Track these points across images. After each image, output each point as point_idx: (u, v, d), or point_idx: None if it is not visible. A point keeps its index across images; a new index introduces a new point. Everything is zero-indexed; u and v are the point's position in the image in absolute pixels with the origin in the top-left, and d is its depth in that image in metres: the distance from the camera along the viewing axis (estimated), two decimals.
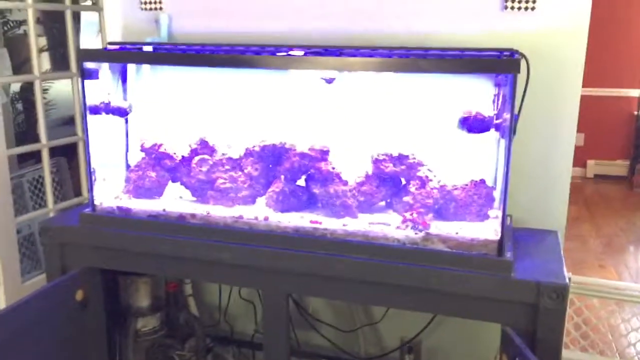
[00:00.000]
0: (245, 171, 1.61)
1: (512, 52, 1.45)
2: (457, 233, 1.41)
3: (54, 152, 2.53)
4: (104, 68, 1.64)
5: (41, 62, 2.62)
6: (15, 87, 3.45)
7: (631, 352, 2.16)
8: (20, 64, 3.23)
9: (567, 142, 1.67)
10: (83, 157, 2.57)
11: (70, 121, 2.77)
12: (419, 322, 1.83)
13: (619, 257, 3.76)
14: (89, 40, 3.57)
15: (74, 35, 2.35)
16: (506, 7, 1.63)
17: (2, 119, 2.07)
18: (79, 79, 1.55)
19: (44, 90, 3.23)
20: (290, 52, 1.54)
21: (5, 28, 3.17)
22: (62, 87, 3.38)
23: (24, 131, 3.51)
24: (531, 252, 1.49)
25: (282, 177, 1.56)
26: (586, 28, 1.60)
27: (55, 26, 3.38)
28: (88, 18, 3.50)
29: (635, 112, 5.52)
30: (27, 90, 3.42)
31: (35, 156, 2.57)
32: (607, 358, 1.91)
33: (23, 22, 3.17)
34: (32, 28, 2.24)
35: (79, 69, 1.55)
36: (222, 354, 2.00)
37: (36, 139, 2.62)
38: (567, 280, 1.33)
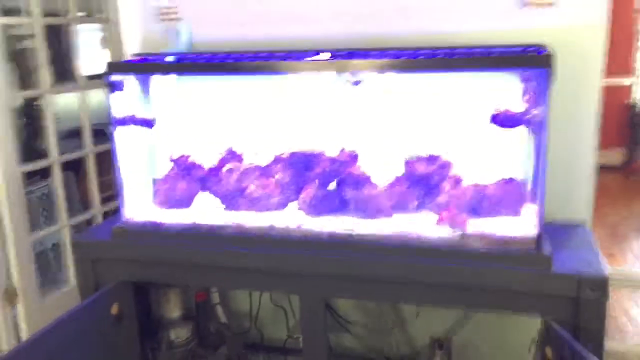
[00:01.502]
0: (275, 178, 1.61)
1: (537, 48, 1.47)
2: (493, 231, 1.42)
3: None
4: (128, 80, 1.64)
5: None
6: (18, 102, 3.41)
7: None
8: (23, 79, 3.20)
9: (590, 134, 1.69)
10: (93, 170, 2.56)
11: (72, 134, 2.75)
12: (448, 320, 1.84)
13: (624, 244, 3.81)
14: (91, 53, 3.54)
15: (77, 48, 2.34)
16: (526, 4, 1.65)
17: (11, 132, 2.05)
18: (107, 91, 1.54)
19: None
20: (316, 57, 1.54)
21: (10, 43, 3.14)
22: (62, 101, 3.36)
23: (28, 146, 3.47)
24: (565, 245, 1.50)
25: (317, 181, 1.57)
26: (605, 22, 1.62)
27: (56, 40, 3.36)
28: (87, 31, 3.48)
29: (629, 101, 5.59)
30: (29, 104, 3.38)
31: (40, 172, 2.54)
32: None
33: (26, 36, 3.14)
34: (40, 42, 2.23)
35: (105, 82, 1.54)
36: None
37: (40, 154, 2.60)
38: (606, 272, 1.35)
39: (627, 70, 5.54)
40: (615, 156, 5.58)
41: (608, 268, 1.37)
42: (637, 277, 1.96)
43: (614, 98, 5.35)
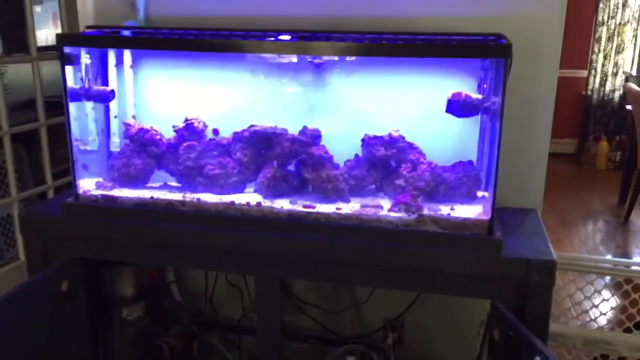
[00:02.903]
0: (235, 157, 1.59)
1: (498, 37, 1.49)
2: (449, 214, 1.45)
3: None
4: (83, 52, 1.59)
5: None
6: None
7: (585, 319, 2.29)
8: None
9: (545, 123, 1.73)
10: (45, 144, 2.48)
11: (24, 106, 2.66)
12: (401, 302, 1.87)
13: (573, 231, 3.96)
14: (44, 23, 3.42)
15: (31, 17, 2.25)
16: None
17: None
18: (60, 64, 1.49)
19: None
20: (279, 37, 1.53)
21: None
22: (18, 70, 3.24)
23: None
24: (516, 230, 1.55)
25: (275, 162, 1.56)
26: (564, 12, 1.66)
27: (6, 8, 3.22)
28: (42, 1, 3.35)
29: (584, 92, 5.76)
30: None
31: None
32: (583, 328, 2.02)
33: None
34: None
35: (58, 53, 1.48)
36: (208, 340, 2.00)
37: None
38: (554, 257, 1.40)
39: (583, 63, 5.70)
40: (568, 145, 5.76)
41: (555, 253, 1.42)
42: (582, 262, 2.03)
43: (569, 89, 5.50)
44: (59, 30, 2.56)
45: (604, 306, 2.14)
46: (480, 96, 1.49)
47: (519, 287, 1.38)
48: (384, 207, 1.49)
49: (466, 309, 1.85)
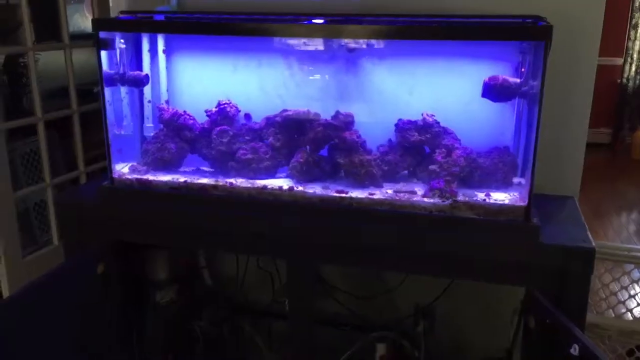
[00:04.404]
0: (267, 141, 1.59)
1: (537, 19, 1.45)
2: (484, 200, 1.43)
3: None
4: (117, 37, 1.60)
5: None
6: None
7: (621, 309, 2.25)
8: (5, 36, 3.12)
9: (584, 108, 1.69)
10: (78, 130, 2.52)
11: (57, 93, 2.70)
12: (433, 289, 1.85)
13: (606, 221, 3.87)
14: (75, 11, 3.45)
15: (63, 4, 2.27)
16: None
17: None
18: (95, 49, 1.50)
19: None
20: (312, 21, 1.51)
21: None
22: (47, 59, 3.29)
23: (10, 105, 3.41)
24: (554, 217, 1.51)
25: (307, 147, 1.55)
26: None
27: None
28: None
29: (619, 80, 5.62)
30: (12, 62, 3.30)
31: (24, 130, 2.50)
32: (617, 319, 1.98)
33: None
34: None
35: (93, 39, 1.50)
36: (239, 324, 2.01)
37: (24, 113, 2.54)
38: (593, 245, 1.37)
39: (619, 50, 5.55)
40: (603, 135, 5.64)
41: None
42: (619, 252, 1.99)
43: (604, 77, 5.37)
44: (90, 18, 2.58)
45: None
46: (517, 80, 1.46)
47: (557, 275, 1.36)
48: (418, 193, 1.48)
49: (499, 296, 1.82)
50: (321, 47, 1.58)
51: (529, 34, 1.37)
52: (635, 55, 5.47)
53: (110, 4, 1.99)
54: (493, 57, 1.54)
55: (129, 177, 1.60)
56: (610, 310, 2.10)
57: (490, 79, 1.45)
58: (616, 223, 3.93)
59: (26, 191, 2.33)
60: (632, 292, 2.06)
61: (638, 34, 5.40)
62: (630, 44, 5.47)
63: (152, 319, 1.79)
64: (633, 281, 2.00)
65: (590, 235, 1.41)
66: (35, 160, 2.60)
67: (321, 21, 1.51)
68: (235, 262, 2.00)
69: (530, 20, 1.46)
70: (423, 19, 1.53)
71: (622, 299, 2.08)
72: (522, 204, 1.40)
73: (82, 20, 3.39)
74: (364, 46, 1.56)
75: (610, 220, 3.94)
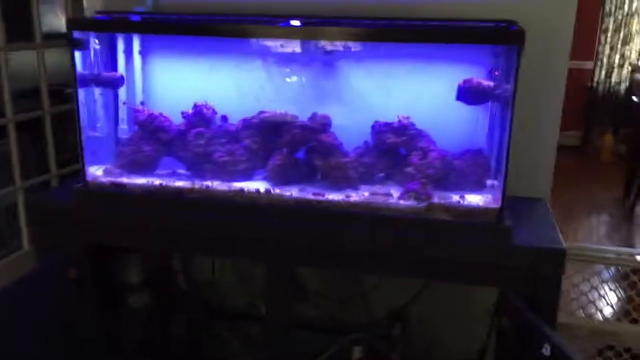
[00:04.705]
0: (244, 144, 1.59)
1: (510, 23, 1.47)
2: (458, 202, 1.45)
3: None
4: (92, 38, 1.58)
5: None
6: None
7: (591, 309, 2.29)
8: None
9: (555, 111, 1.72)
10: (50, 132, 2.48)
11: (29, 94, 2.65)
12: (407, 291, 1.87)
13: (577, 223, 3.95)
14: (47, 10, 3.39)
15: (36, 3, 2.24)
16: None
17: None
18: (69, 49, 1.48)
19: None
20: (288, 23, 1.51)
21: None
22: (19, 59, 3.24)
23: None
24: (525, 219, 1.54)
25: (284, 150, 1.55)
26: (575, 2, 1.64)
27: None
28: None
29: (589, 84, 5.73)
30: None
31: None
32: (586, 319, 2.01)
33: None
34: None
35: (67, 39, 1.47)
36: (215, 328, 2.00)
37: None
38: (564, 246, 1.39)
39: (590, 54, 5.67)
40: (573, 138, 5.75)
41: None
42: (588, 252, 2.03)
43: (574, 81, 5.47)
44: (64, 18, 2.55)
45: (610, 297, 2.13)
46: (491, 83, 1.48)
47: (529, 276, 1.38)
48: (394, 195, 1.49)
49: (472, 298, 1.85)
50: (298, 49, 1.58)
51: (502, 38, 1.39)
52: (605, 60, 5.60)
53: (85, 4, 1.96)
54: (467, 60, 1.57)
55: (103, 179, 1.58)
56: (581, 311, 2.14)
57: (464, 82, 1.47)
58: (586, 225, 4.01)
59: None
60: (602, 292, 2.10)
61: (608, 39, 5.52)
62: (600, 48, 5.59)
63: (126, 323, 1.77)
64: (603, 281, 2.04)
65: (560, 237, 1.43)
66: (6, 162, 2.56)
67: (298, 23, 1.51)
68: (211, 265, 1.99)
69: (503, 25, 1.48)
70: (399, 22, 1.54)
71: (592, 299, 2.12)
72: (495, 206, 1.42)
73: (55, 20, 3.34)
74: (341, 48, 1.57)
75: (580, 222, 4.02)
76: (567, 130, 5.59)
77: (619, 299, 2.09)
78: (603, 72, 5.65)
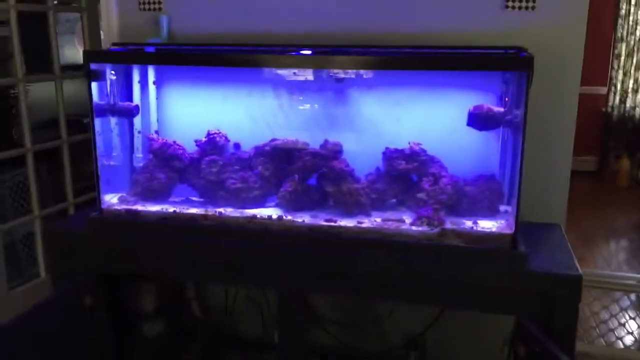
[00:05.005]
0: (256, 171, 1.60)
1: (519, 50, 1.48)
2: (472, 227, 1.44)
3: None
4: (108, 69, 1.62)
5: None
6: None
7: (611, 338, 2.25)
8: None
9: (567, 136, 1.72)
10: (67, 161, 2.51)
11: (48, 124, 2.70)
12: (423, 318, 1.85)
13: (595, 249, 3.89)
14: (66, 42, 3.48)
15: (54, 36, 2.29)
16: (507, 7, 1.67)
17: None
18: (86, 80, 1.52)
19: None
20: (300, 52, 1.54)
21: None
22: (38, 89, 3.31)
23: (1, 136, 3.40)
24: (540, 245, 1.52)
25: (296, 176, 1.56)
26: (584, 27, 1.65)
27: (30, 28, 3.29)
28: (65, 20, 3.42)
29: (604, 109, 5.70)
30: (2, 93, 3.31)
31: (13, 162, 2.49)
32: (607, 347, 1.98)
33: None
34: (15, 30, 2.19)
35: (84, 71, 1.51)
36: (228, 356, 1.99)
37: (13, 144, 2.53)
38: (580, 272, 1.37)
39: (603, 80, 5.65)
40: (589, 163, 5.70)
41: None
42: (607, 279, 2.00)
43: (589, 106, 5.45)
44: (81, 49, 2.61)
45: (630, 325, 2.09)
46: (501, 109, 1.49)
47: (545, 303, 1.36)
48: (406, 221, 1.49)
49: (489, 325, 1.82)
50: (309, 78, 1.61)
51: (512, 65, 1.40)
52: (618, 85, 5.58)
53: (102, 36, 2.01)
54: (478, 87, 1.57)
55: (118, 207, 1.60)
56: (601, 339, 2.10)
57: (474, 108, 1.48)
58: (605, 251, 3.94)
59: (13, 223, 2.31)
60: (622, 320, 2.06)
61: (621, 64, 5.51)
62: (613, 73, 5.57)
63: (140, 351, 1.77)
64: (622, 309, 2.01)
65: (576, 263, 1.42)
66: (24, 191, 2.59)
67: (309, 52, 1.53)
68: (224, 293, 1.99)
69: (513, 52, 1.49)
70: (409, 50, 1.56)
71: (612, 327, 2.08)
72: (508, 231, 1.41)
73: (74, 51, 3.41)
74: (352, 76, 1.59)
75: (599, 248, 3.96)
76: (582, 156, 5.56)
77: (639, 326, 2.05)
78: (617, 97, 5.62)
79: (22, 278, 2.42)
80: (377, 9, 1.73)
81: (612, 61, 5.63)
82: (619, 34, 5.55)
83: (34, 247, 2.40)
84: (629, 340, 2.10)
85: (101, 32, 2.02)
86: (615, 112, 5.70)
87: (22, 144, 2.28)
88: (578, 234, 3.98)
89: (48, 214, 2.40)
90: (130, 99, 1.71)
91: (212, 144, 1.64)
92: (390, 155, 1.55)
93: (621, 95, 5.66)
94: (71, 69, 2.67)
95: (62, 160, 2.47)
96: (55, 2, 2.52)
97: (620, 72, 5.61)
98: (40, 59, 2.53)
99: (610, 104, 5.71)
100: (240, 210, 1.57)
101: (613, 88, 5.67)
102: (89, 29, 2.40)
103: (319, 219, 1.51)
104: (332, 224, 1.49)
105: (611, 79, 5.67)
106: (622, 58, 5.58)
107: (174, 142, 1.66)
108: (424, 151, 1.55)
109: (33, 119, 2.41)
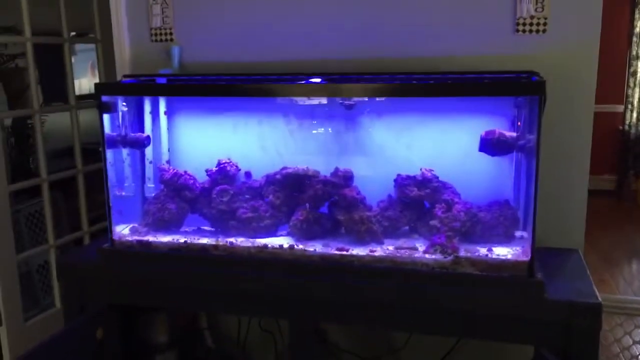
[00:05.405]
0: (267, 200, 1.59)
1: (530, 74, 1.47)
2: (486, 255, 1.41)
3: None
4: (120, 100, 1.63)
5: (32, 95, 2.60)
6: (7, 121, 3.40)
7: None
8: (13, 98, 3.19)
9: (583, 158, 1.69)
10: (82, 190, 2.53)
11: (64, 153, 2.73)
12: (439, 348, 1.81)
13: (616, 270, 3.80)
14: (83, 73, 3.55)
15: (70, 67, 2.33)
16: (517, 31, 1.66)
17: (1, 151, 2.03)
18: (98, 112, 1.53)
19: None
20: (310, 80, 1.54)
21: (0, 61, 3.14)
22: (54, 119, 3.36)
23: (16, 166, 3.45)
24: (557, 271, 1.49)
25: (307, 205, 1.55)
26: (597, 49, 1.63)
27: (47, 59, 3.36)
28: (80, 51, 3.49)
29: (621, 127, 5.64)
30: (19, 124, 3.37)
31: (29, 191, 2.52)
32: None
33: (16, 55, 3.14)
34: (31, 62, 2.22)
35: (97, 102, 1.52)
36: None
37: (29, 173, 2.56)
38: (599, 299, 1.34)
39: (619, 98, 5.59)
40: (607, 182, 5.61)
41: (600, 296, 1.36)
42: (630, 305, 1.94)
43: (605, 125, 5.39)
44: (97, 79, 2.64)
45: None
46: (514, 134, 1.46)
47: (563, 332, 1.33)
48: (419, 249, 1.46)
49: (508, 355, 1.77)
50: (319, 106, 1.60)
51: (523, 89, 1.39)
52: (635, 103, 5.51)
53: (116, 67, 2.03)
54: (489, 112, 1.56)
55: (129, 238, 1.60)
56: None
57: (486, 133, 1.46)
58: (627, 272, 3.86)
59: (29, 253, 2.32)
60: None
61: (637, 82, 5.45)
62: (629, 91, 5.51)
63: None
64: None
65: (596, 290, 1.38)
66: (40, 221, 2.60)
67: (319, 80, 1.53)
68: (237, 323, 1.97)
69: (524, 76, 1.48)
70: (419, 76, 1.55)
71: (636, 354, 2.02)
72: (524, 258, 1.38)
73: (90, 81, 3.47)
74: (363, 103, 1.59)
75: (620, 269, 3.87)
76: (601, 174, 5.49)
77: None
78: (635, 115, 5.56)
79: (38, 308, 2.43)
80: (387, 36, 1.73)
81: (627, 79, 5.57)
82: (635, 52, 5.50)
83: (50, 277, 2.41)
84: None
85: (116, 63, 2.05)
86: (633, 130, 5.62)
87: (37, 174, 2.30)
88: (597, 254, 3.90)
89: (63, 243, 2.41)
90: (142, 130, 1.72)
91: (223, 173, 1.64)
92: (402, 182, 1.53)
93: (638, 113, 5.59)
94: (88, 99, 2.70)
95: (77, 189, 2.49)
96: (73, 34, 2.57)
97: (637, 89, 5.55)
98: (57, 89, 2.57)
99: (627, 122, 5.64)
100: (251, 239, 1.56)
101: (630, 106, 5.60)
102: (103, 59, 2.43)
103: (331, 248, 1.49)
104: (344, 252, 1.47)
105: (627, 96, 5.61)
106: (638, 76, 5.52)
107: (185, 172, 1.66)
108: (436, 177, 1.53)
109: (49, 147, 2.43)
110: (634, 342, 1.98)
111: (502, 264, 1.39)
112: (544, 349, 1.34)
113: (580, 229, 1.72)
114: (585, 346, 1.32)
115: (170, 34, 1.88)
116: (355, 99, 1.54)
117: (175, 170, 1.66)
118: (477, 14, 1.66)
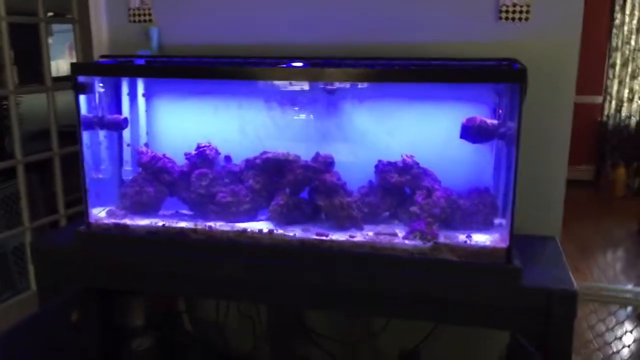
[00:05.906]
0: (247, 184, 1.58)
1: (512, 62, 1.47)
2: (465, 242, 1.42)
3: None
4: (97, 81, 1.60)
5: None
6: None
7: (608, 351, 2.22)
8: None
9: (562, 147, 1.70)
10: (59, 173, 2.49)
11: (40, 136, 2.68)
12: (417, 333, 1.82)
13: (591, 259, 3.87)
14: (60, 54, 3.47)
15: (46, 48, 2.28)
16: (501, 18, 1.66)
17: None
18: (74, 93, 1.49)
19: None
20: (291, 64, 1.52)
21: None
22: (30, 101, 3.29)
23: None
24: (535, 258, 1.50)
25: (287, 190, 1.54)
26: (578, 37, 1.64)
27: (22, 39, 3.28)
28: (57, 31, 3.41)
29: (599, 118, 5.71)
30: None
31: (4, 173, 2.47)
32: None
33: None
34: (6, 42, 2.17)
35: (73, 83, 1.49)
36: None
37: (4, 155, 2.51)
38: (575, 287, 1.35)
39: (598, 89, 5.66)
40: (585, 172, 5.69)
41: (576, 283, 1.37)
42: (603, 292, 1.97)
43: (584, 116, 5.45)
44: (74, 60, 2.59)
45: (627, 338, 2.07)
46: (495, 121, 1.47)
47: (540, 318, 1.34)
48: (399, 235, 1.46)
49: (484, 340, 1.80)
50: (300, 90, 1.59)
51: (504, 77, 1.39)
52: (614, 94, 5.58)
53: (93, 48, 1.99)
54: (471, 99, 1.56)
55: (106, 221, 1.57)
56: (599, 353, 2.07)
57: (467, 120, 1.46)
58: (602, 261, 3.92)
59: (4, 235, 2.28)
60: (619, 334, 2.03)
61: (616, 73, 5.52)
62: (609, 82, 5.58)
63: None
64: (619, 322, 1.98)
65: (572, 277, 1.39)
66: (16, 203, 2.56)
67: (300, 64, 1.52)
68: (215, 307, 1.96)
69: (505, 63, 1.48)
70: (401, 61, 1.54)
71: (609, 341, 2.06)
72: (503, 245, 1.39)
73: (67, 63, 3.40)
74: (344, 88, 1.57)
75: (595, 258, 3.94)
76: (579, 165, 5.56)
77: (635, 340, 2.02)
78: (613, 106, 5.63)
79: (14, 290, 2.40)
80: (369, 21, 1.71)
81: (607, 70, 5.63)
82: (614, 44, 5.56)
83: (25, 259, 2.38)
84: (625, 353, 2.07)
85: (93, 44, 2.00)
86: (611, 121, 5.70)
87: (13, 156, 2.26)
88: (574, 243, 3.96)
89: (40, 226, 2.37)
90: (120, 112, 1.69)
91: (202, 157, 1.62)
92: (383, 168, 1.53)
93: (617, 105, 5.67)
94: (66, 80, 2.65)
95: (53, 172, 2.45)
96: (51, 14, 2.51)
97: (616, 81, 5.62)
98: (33, 71, 2.51)
99: (605, 113, 5.71)
100: (230, 224, 1.55)
101: (608, 97, 5.67)
102: (81, 40, 2.38)
103: (311, 233, 1.49)
104: (324, 238, 1.47)
105: (606, 88, 5.68)
106: (617, 67, 5.59)
107: (164, 155, 1.64)
108: (417, 164, 1.53)
109: (25, 129, 2.39)
110: (607, 329, 2.01)
111: (481, 251, 1.40)
112: (519, 335, 1.35)
113: (558, 216, 1.74)
114: (560, 332, 1.33)
115: (149, 14, 1.84)
116: (337, 84, 1.53)
117: (153, 153, 1.64)
118: (460, 1, 1.66)
